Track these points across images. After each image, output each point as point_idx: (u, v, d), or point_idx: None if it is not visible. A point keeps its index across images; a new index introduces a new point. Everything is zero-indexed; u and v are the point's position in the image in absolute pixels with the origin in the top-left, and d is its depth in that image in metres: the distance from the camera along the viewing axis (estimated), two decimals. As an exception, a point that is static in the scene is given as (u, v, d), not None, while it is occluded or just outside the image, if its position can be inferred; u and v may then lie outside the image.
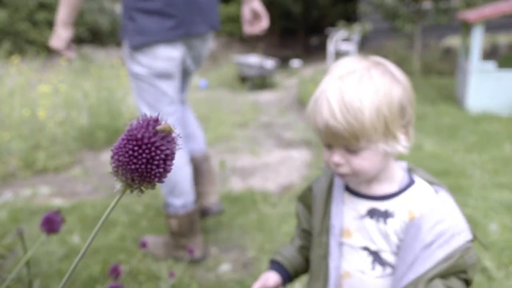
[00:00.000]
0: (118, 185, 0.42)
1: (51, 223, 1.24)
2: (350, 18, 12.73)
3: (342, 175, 1.01)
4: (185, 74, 2.50)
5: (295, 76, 10.14)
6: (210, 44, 2.47)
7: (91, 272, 2.37)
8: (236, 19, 15.07)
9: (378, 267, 1.01)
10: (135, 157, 0.39)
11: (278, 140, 5.25)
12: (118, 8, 16.61)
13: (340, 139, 0.94)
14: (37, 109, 4.84)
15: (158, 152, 0.39)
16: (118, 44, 15.39)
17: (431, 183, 1.02)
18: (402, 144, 0.96)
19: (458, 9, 8.36)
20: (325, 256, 1.07)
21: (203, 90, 8.48)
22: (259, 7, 2.50)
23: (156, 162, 0.39)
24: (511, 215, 2.96)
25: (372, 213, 1.02)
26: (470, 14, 6.32)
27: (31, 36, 13.68)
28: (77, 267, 1.87)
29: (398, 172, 1.03)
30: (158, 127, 0.40)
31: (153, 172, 0.39)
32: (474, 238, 0.94)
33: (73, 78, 6.47)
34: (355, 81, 0.92)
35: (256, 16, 2.54)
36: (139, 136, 0.39)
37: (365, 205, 1.03)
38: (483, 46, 9.09)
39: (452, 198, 0.98)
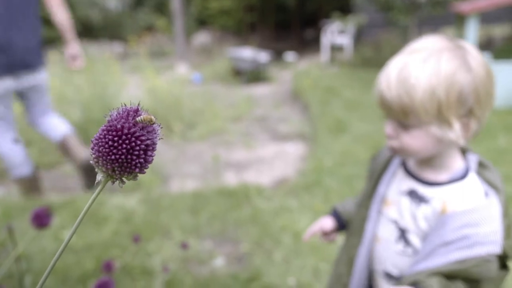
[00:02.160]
0: (100, 176, 0.41)
1: (41, 218, 1.22)
2: (345, 10, 12.70)
3: (392, 149, 1.01)
4: (23, 97, 3.21)
5: (290, 69, 10.12)
6: (42, 75, 3.25)
7: (84, 268, 2.36)
8: (229, 13, 15.00)
9: (401, 244, 1.03)
10: (115, 148, 0.38)
11: (272, 134, 5.24)
12: (109, 2, 16.49)
13: (391, 111, 0.95)
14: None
15: (138, 142, 0.38)
16: (110, 38, 15.29)
17: (492, 185, 0.96)
18: (457, 133, 0.91)
19: (453, 1, 8.35)
20: (364, 218, 1.13)
21: (197, 84, 8.45)
22: (74, 50, 3.39)
23: (136, 153, 0.38)
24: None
25: (411, 193, 1.03)
26: (465, 6, 6.32)
27: (23, 31, 13.56)
28: (70, 263, 1.84)
29: (456, 164, 0.99)
30: (138, 118, 0.39)
31: (133, 163, 0.39)
32: (505, 256, 0.89)
33: (65, 73, 6.41)
34: (420, 59, 0.91)
35: (73, 57, 3.38)
36: (118, 126, 0.39)
37: (409, 184, 1.04)
38: (478, 38, 9.10)
39: (501, 208, 0.93)
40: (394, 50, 8.64)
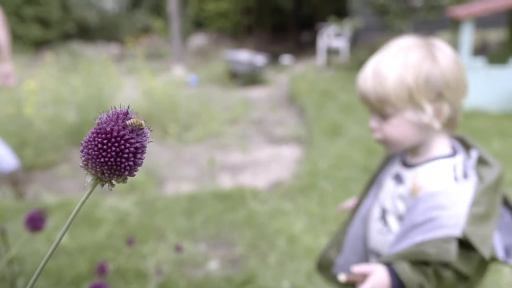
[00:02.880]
0: (89, 179, 0.41)
1: (35, 222, 1.21)
2: (341, 14, 12.75)
3: (379, 142, 1.09)
4: None
5: (286, 72, 10.13)
6: None
7: (77, 270, 2.35)
8: (226, 15, 15.01)
9: (381, 223, 1.11)
10: (104, 150, 0.38)
11: (268, 137, 5.24)
12: (106, 3, 16.48)
13: (370, 104, 1.04)
14: (24, 105, 4.78)
15: (128, 145, 0.38)
16: (107, 39, 15.27)
17: (481, 179, 0.99)
18: (429, 116, 0.98)
19: (448, 5, 8.40)
20: (363, 198, 1.24)
21: (193, 86, 8.44)
22: (7, 69, 3.31)
23: (125, 155, 0.38)
24: (499, 211, 2.98)
25: (396, 176, 1.12)
26: (460, 11, 6.36)
27: (17, 31, 13.52)
28: (63, 265, 1.84)
29: (436, 151, 1.05)
30: (128, 121, 0.39)
31: (122, 165, 0.39)
32: (466, 242, 0.92)
33: (61, 74, 6.40)
34: (391, 54, 1.02)
35: (6, 76, 3.32)
36: (108, 129, 0.38)
37: (397, 168, 1.14)
38: (474, 43, 9.16)
39: (474, 195, 0.96)
40: (390, 54, 8.57)
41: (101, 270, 1.59)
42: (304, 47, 14.69)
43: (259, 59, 9.03)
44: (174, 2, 10.70)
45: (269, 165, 4.21)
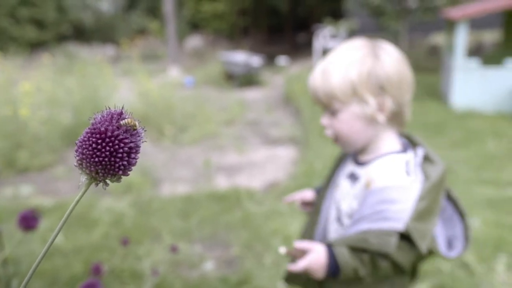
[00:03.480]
0: (83, 178, 0.41)
1: (28, 221, 1.22)
2: (337, 15, 12.78)
3: (332, 139, 1.13)
4: None
5: (282, 73, 10.15)
6: None
7: (73, 271, 2.34)
8: (222, 16, 15.02)
9: (337, 224, 1.13)
10: (99, 150, 0.39)
11: (264, 138, 5.25)
12: (102, 4, 16.46)
13: (320, 101, 1.09)
14: (19, 107, 4.77)
15: (122, 145, 0.39)
16: (102, 41, 15.24)
17: (427, 176, 1.04)
18: (373, 108, 1.03)
19: (443, 7, 8.44)
20: (321, 199, 1.24)
21: (189, 88, 8.45)
22: None
23: (119, 155, 0.39)
24: (493, 211, 3.00)
25: (350, 176, 1.14)
26: (455, 12, 6.39)
27: (13, 33, 13.47)
28: (59, 266, 1.84)
29: (385, 148, 1.09)
30: (122, 121, 0.40)
31: (117, 165, 0.39)
32: (407, 237, 0.97)
33: (57, 75, 6.38)
34: (337, 54, 1.09)
35: None
36: (102, 129, 0.39)
37: (350, 167, 1.16)
38: (468, 44, 9.20)
39: (420, 192, 1.00)
40: (385, 55, 8.62)
41: (97, 270, 1.60)
42: (300, 48, 14.72)
43: (255, 60, 9.04)
44: (170, 4, 10.70)
45: (265, 166, 4.22)
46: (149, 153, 4.64)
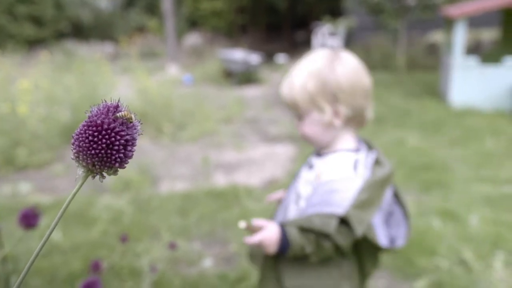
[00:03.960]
0: (80, 171, 0.42)
1: (29, 219, 1.22)
2: (336, 13, 12.77)
3: (302, 138, 1.29)
4: None
5: (281, 71, 10.15)
6: None
7: (71, 268, 2.35)
8: (221, 14, 15.00)
9: (295, 206, 1.27)
10: (95, 143, 0.39)
11: (263, 135, 5.25)
12: (100, 2, 16.41)
13: (289, 107, 1.24)
14: (17, 105, 4.76)
15: (118, 137, 0.39)
16: (101, 38, 15.20)
17: (374, 175, 1.16)
18: (329, 115, 1.17)
19: (441, 5, 8.44)
20: (289, 188, 1.39)
21: (188, 85, 8.44)
22: None
23: (116, 147, 0.39)
24: (491, 208, 3.01)
25: (308, 165, 1.31)
26: (453, 10, 6.39)
27: (11, 30, 13.44)
28: (57, 263, 1.84)
29: (343, 144, 1.23)
30: (118, 114, 0.40)
31: (113, 157, 0.39)
32: (345, 220, 1.11)
33: (55, 73, 6.37)
34: (301, 65, 1.22)
35: None
36: (98, 122, 0.39)
37: (311, 158, 1.32)
38: (467, 42, 9.20)
39: (363, 185, 1.13)
40: (384, 53, 8.76)
41: (96, 268, 1.60)
42: (299, 46, 14.71)
43: (254, 58, 9.03)
44: (168, 1, 10.68)
45: (263, 163, 4.22)
46: (147, 151, 4.64)
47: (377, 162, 1.21)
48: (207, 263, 2.48)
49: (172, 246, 2.00)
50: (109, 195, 3.43)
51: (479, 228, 2.72)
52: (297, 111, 1.22)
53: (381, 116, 5.67)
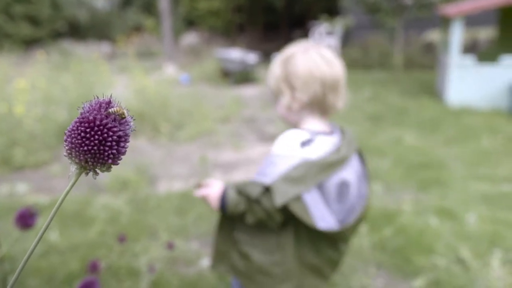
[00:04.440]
0: (73, 168, 0.41)
1: (25, 219, 1.21)
2: (333, 12, 12.77)
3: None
4: None
5: (278, 70, 10.13)
6: None
7: (69, 268, 2.34)
8: (218, 13, 14.98)
9: None
10: (87, 139, 0.39)
11: (260, 135, 5.25)
12: (97, 1, 16.37)
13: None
14: (14, 105, 4.75)
15: (110, 133, 0.39)
16: (98, 38, 15.17)
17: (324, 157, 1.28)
18: (288, 99, 1.35)
19: (438, 3, 8.45)
20: None
21: (185, 85, 8.43)
22: None
23: (108, 144, 0.39)
24: (488, 206, 3.01)
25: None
26: (450, 9, 6.40)
27: (7, 30, 13.40)
28: (55, 264, 1.82)
29: (309, 127, 1.37)
30: (110, 109, 0.39)
31: (106, 154, 0.39)
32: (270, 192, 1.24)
33: (52, 73, 6.35)
34: (279, 57, 1.40)
35: None
36: (91, 118, 0.39)
37: None
38: (464, 41, 9.21)
39: (298, 163, 1.25)
40: (381, 51, 8.75)
41: (93, 268, 1.59)
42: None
43: (251, 57, 9.03)
44: (165, 1, 10.66)
45: (261, 162, 4.21)
46: (145, 151, 4.63)
47: (337, 150, 1.31)
48: (205, 262, 2.47)
49: (170, 246, 2.00)
50: (107, 195, 3.42)
51: (477, 227, 2.72)
52: (273, 95, 1.43)
53: (378, 115, 5.68)
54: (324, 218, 1.29)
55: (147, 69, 8.77)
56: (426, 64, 9.37)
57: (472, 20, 9.20)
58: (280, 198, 1.21)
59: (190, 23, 16.08)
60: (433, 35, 10.62)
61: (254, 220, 1.27)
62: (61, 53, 8.84)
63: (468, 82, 6.12)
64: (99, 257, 2.45)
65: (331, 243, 1.35)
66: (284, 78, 1.35)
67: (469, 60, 6.10)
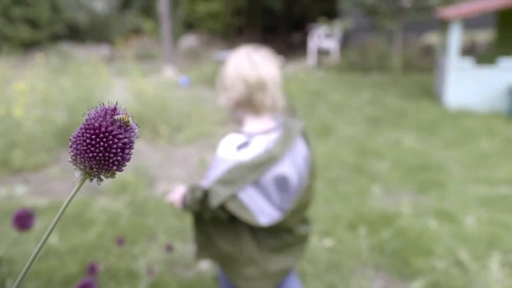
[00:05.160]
0: (78, 174, 0.42)
1: (23, 220, 1.21)
2: (332, 14, 12.80)
3: None
4: None
5: (277, 73, 10.14)
6: None
7: (68, 271, 2.34)
8: (217, 16, 15.00)
9: None
10: (93, 146, 0.39)
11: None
12: (96, 4, 16.38)
13: None
14: (13, 107, 4.75)
15: (116, 140, 0.39)
16: (97, 40, 15.18)
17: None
18: (223, 98, 1.55)
19: (437, 6, 8.48)
20: None
21: (184, 87, 8.43)
22: None
23: (113, 151, 0.39)
24: (487, 209, 3.02)
25: None
26: (449, 12, 6.42)
27: (6, 32, 13.40)
28: (54, 266, 1.82)
29: (247, 127, 1.51)
30: (116, 116, 0.40)
31: (111, 160, 0.39)
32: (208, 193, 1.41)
33: (51, 75, 6.36)
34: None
35: None
36: (96, 125, 0.39)
37: None
38: (462, 43, 9.24)
39: (231, 166, 1.41)
40: (380, 54, 8.76)
41: (92, 270, 1.59)
42: (295, 48, 14.73)
43: (250, 60, 9.03)
44: (164, 3, 10.68)
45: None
46: (144, 153, 4.63)
47: (269, 149, 1.44)
48: (204, 265, 2.47)
49: (169, 248, 2.00)
50: (106, 197, 3.42)
51: (475, 229, 2.73)
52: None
53: (377, 117, 5.69)
54: (264, 212, 1.45)
55: (146, 71, 8.77)
56: (425, 67, 9.39)
57: (471, 23, 9.23)
58: (215, 200, 1.38)
59: (189, 25, 16.10)
60: (432, 38, 10.65)
61: (208, 217, 1.46)
62: (60, 55, 8.84)
63: (466, 85, 6.13)
64: (98, 259, 2.45)
65: (286, 229, 1.52)
66: (221, 79, 1.56)
67: (468, 63, 6.12)
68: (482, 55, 7.37)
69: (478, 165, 3.90)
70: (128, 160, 0.40)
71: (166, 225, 2.93)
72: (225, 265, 1.54)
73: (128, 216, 3.07)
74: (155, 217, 3.05)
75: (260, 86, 1.47)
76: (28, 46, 13.64)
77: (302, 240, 1.59)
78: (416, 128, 5.22)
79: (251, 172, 1.40)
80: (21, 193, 3.56)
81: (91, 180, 0.41)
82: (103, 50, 13.70)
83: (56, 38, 14.55)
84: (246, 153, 1.43)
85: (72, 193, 0.42)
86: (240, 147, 1.44)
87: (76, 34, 15.37)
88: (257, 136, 1.47)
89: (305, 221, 1.62)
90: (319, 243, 2.67)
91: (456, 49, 6.07)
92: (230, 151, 1.44)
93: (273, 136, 1.48)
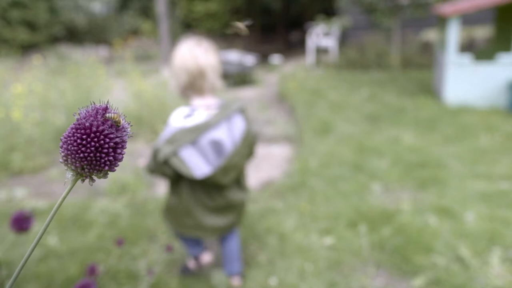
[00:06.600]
0: (69, 174, 0.41)
1: (21, 222, 1.21)
2: (330, 13, 12.78)
3: None
4: None
5: (276, 72, 10.15)
6: None
7: (68, 273, 2.33)
8: (215, 16, 14.98)
9: None
10: (84, 146, 0.39)
11: (258, 136, 5.24)
12: (94, 6, 16.35)
13: None
14: (11, 110, 4.74)
15: (107, 140, 0.39)
16: (95, 42, 15.16)
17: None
18: (174, 83, 1.95)
19: (435, 3, 8.47)
20: None
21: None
22: None
23: (105, 150, 0.39)
24: (487, 205, 3.02)
25: None
26: (447, 8, 6.41)
27: (4, 35, 13.38)
28: (54, 268, 1.82)
29: (192, 103, 1.93)
30: (107, 115, 0.39)
31: (102, 160, 0.39)
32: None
33: (49, 77, 6.35)
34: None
35: None
36: (87, 124, 0.39)
37: None
38: (460, 40, 9.24)
39: (177, 129, 1.83)
40: (378, 51, 8.73)
41: (92, 271, 1.59)
42: (293, 46, 14.72)
43: (249, 59, 9.03)
44: (162, 4, 10.66)
45: (260, 164, 4.22)
46: (143, 154, 4.63)
47: (206, 119, 1.82)
48: (204, 265, 2.47)
49: (169, 249, 2.00)
50: (105, 198, 3.42)
51: (476, 225, 2.72)
52: None
53: (376, 115, 5.68)
54: (199, 167, 1.83)
55: (145, 72, 8.76)
56: (423, 64, 9.38)
57: (469, 19, 9.22)
58: (162, 155, 1.78)
59: (187, 26, 16.08)
60: (430, 35, 10.64)
61: (159, 174, 1.86)
62: (58, 57, 8.83)
63: (465, 81, 6.13)
64: (98, 261, 2.45)
65: (218, 191, 1.92)
66: (171, 69, 1.90)
67: (466, 59, 6.11)
68: (481, 51, 7.37)
69: (478, 161, 3.89)
70: (120, 160, 0.40)
71: (166, 226, 2.92)
72: (170, 216, 2.01)
73: (128, 217, 3.07)
74: (155, 218, 3.04)
75: (199, 74, 1.83)
76: (26, 49, 13.62)
77: (237, 206, 2.02)
78: (415, 124, 5.21)
79: (190, 134, 1.77)
80: (21, 196, 3.55)
81: (83, 180, 0.41)
82: (102, 51, 13.69)
83: (54, 40, 14.54)
84: (189, 121, 1.81)
85: (64, 193, 0.42)
86: (185, 116, 1.83)
87: (74, 35, 15.35)
88: (200, 109, 1.86)
89: (240, 187, 2.02)
90: (319, 241, 2.66)
91: (454, 45, 6.06)
92: (177, 120, 1.83)
93: (213, 111, 1.86)
